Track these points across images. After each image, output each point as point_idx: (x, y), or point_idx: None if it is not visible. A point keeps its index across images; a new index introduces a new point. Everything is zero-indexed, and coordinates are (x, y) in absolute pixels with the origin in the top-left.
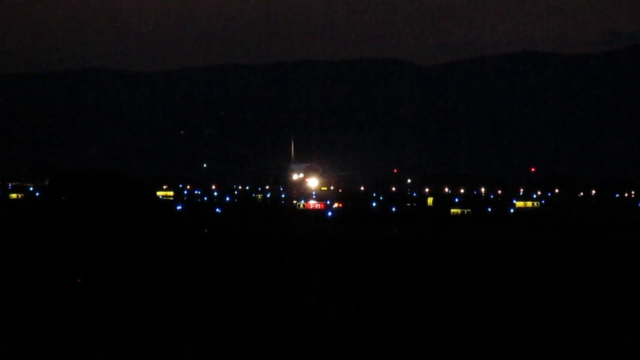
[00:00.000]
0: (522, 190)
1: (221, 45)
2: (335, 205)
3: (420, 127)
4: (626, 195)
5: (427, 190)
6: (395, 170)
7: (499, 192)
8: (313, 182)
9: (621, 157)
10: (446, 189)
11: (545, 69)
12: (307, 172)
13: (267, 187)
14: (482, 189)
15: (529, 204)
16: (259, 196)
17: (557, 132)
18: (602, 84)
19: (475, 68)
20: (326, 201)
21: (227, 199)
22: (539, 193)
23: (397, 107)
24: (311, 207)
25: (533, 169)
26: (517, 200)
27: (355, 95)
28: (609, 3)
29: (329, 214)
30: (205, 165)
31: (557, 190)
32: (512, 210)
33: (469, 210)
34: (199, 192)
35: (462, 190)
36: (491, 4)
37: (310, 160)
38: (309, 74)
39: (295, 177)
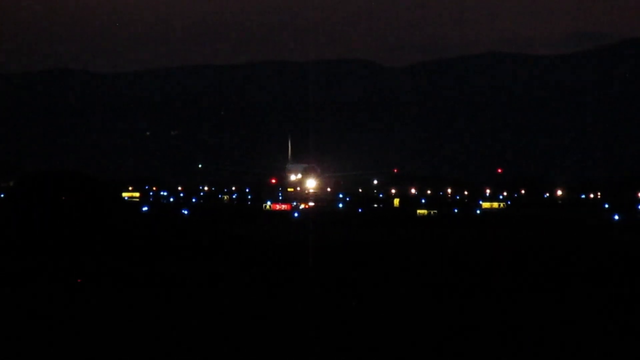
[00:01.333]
0: (488, 191)
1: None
2: (302, 206)
3: (386, 128)
4: (592, 196)
5: (393, 191)
6: (395, 170)
7: (466, 193)
8: (311, 183)
9: (587, 158)
10: (412, 190)
11: (511, 69)
12: (306, 172)
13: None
14: (449, 190)
15: (495, 205)
16: (225, 197)
17: (523, 133)
18: (568, 85)
19: (441, 69)
20: (292, 202)
21: (194, 200)
22: (505, 194)
23: (363, 108)
24: (277, 209)
25: (499, 170)
26: (483, 201)
27: (322, 95)
28: (575, 4)
29: (295, 215)
30: (200, 165)
31: (523, 191)
32: (478, 211)
33: (435, 211)
34: (165, 194)
35: (428, 192)
36: (457, 5)
37: (308, 160)
38: (276, 75)
39: (293, 177)
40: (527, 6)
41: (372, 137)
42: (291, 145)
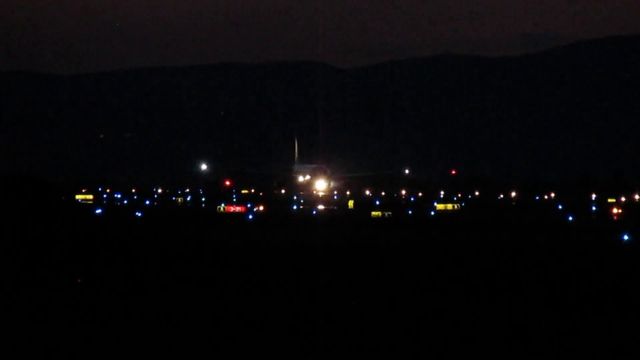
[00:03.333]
0: (442, 192)
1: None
2: (257, 208)
3: (341, 129)
4: (546, 197)
5: (348, 193)
6: (407, 172)
7: (420, 194)
8: (321, 185)
9: (540, 159)
10: (367, 192)
11: (466, 71)
12: (314, 173)
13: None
14: (403, 192)
15: (449, 206)
16: (180, 199)
17: (477, 134)
18: (522, 86)
19: (396, 70)
20: (247, 204)
21: (147, 202)
22: (459, 195)
23: (316, 109)
24: (231, 211)
25: (454, 171)
26: (437, 203)
27: (280, 97)
28: (529, 5)
29: (250, 217)
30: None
31: (477, 193)
32: (432, 213)
33: (389, 213)
34: (119, 196)
35: (383, 193)
36: (412, 6)
37: (316, 161)
38: (229, 77)
39: (301, 179)
40: (479, 8)
41: (322, 137)
42: (298, 146)
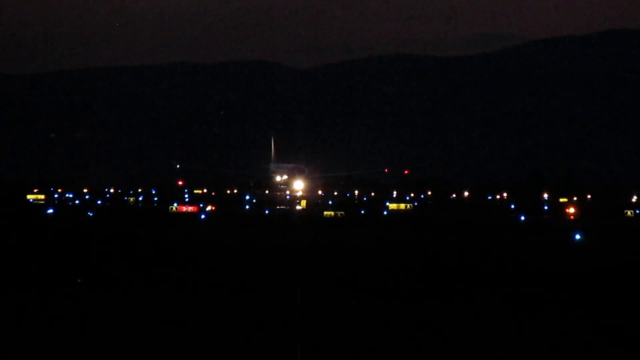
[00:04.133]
0: (395, 192)
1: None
2: (209, 208)
3: (295, 129)
4: (498, 197)
5: (300, 193)
6: (386, 170)
7: (372, 194)
8: (299, 185)
9: (494, 159)
10: (319, 192)
11: (419, 71)
12: (292, 173)
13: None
14: (356, 192)
15: (402, 206)
16: (132, 199)
17: (430, 134)
18: (476, 85)
19: (349, 70)
20: (199, 204)
21: (99, 202)
22: (412, 195)
23: (269, 109)
24: (184, 210)
25: (406, 172)
26: (390, 203)
27: (231, 97)
28: (483, 5)
29: (202, 216)
30: (178, 166)
31: (430, 193)
32: (385, 213)
33: (342, 212)
34: (71, 196)
35: (335, 193)
36: (365, 6)
37: (293, 160)
38: (183, 77)
39: (278, 178)
40: (434, 8)
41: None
42: (274, 145)
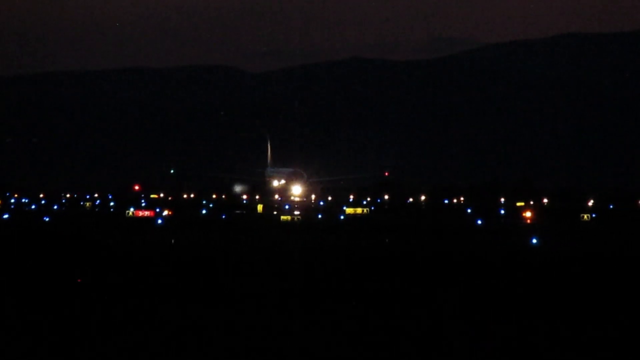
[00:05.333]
0: (352, 196)
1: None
2: (165, 212)
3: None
4: (455, 201)
5: (257, 197)
6: (386, 174)
7: (330, 198)
8: (297, 190)
9: (451, 162)
10: (276, 197)
11: (374, 75)
12: (290, 178)
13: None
14: (313, 196)
15: (359, 210)
16: (88, 204)
17: (385, 137)
18: (431, 89)
19: (304, 74)
20: (156, 209)
21: (55, 207)
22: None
23: (226, 113)
24: (140, 215)
25: (386, 173)
26: (347, 207)
27: (187, 102)
28: (439, 9)
29: (159, 221)
30: (172, 170)
31: (387, 197)
32: (342, 217)
33: (299, 217)
34: (27, 201)
35: (314, 197)
36: (320, 10)
37: (292, 165)
38: (139, 81)
39: (275, 183)
40: (389, 12)
41: (232, 142)
42: (271, 149)
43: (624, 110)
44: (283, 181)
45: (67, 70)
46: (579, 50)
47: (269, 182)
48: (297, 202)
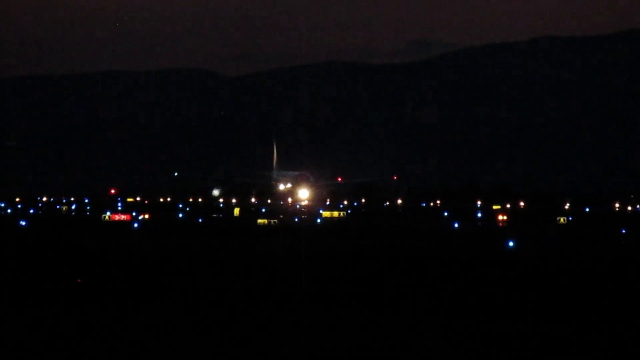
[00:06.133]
0: (328, 200)
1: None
2: (142, 216)
3: (231, 137)
4: (432, 204)
5: (234, 201)
6: (394, 177)
7: (307, 202)
8: (304, 193)
9: (425, 166)
10: (253, 200)
11: (352, 78)
12: (297, 181)
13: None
14: (289, 200)
15: (335, 213)
16: (64, 208)
17: (365, 142)
18: (409, 92)
19: (281, 78)
20: (132, 213)
21: (31, 211)
22: (345, 203)
23: (202, 118)
24: (117, 219)
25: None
26: (324, 210)
27: (165, 105)
28: (416, 13)
29: (135, 225)
30: (176, 174)
31: (363, 200)
32: (319, 220)
33: (275, 220)
34: (2, 205)
35: (269, 201)
36: (298, 14)
37: (300, 168)
38: (115, 85)
39: (282, 187)
40: (367, 16)
41: (209, 146)
42: (277, 151)
43: (600, 113)
44: (289, 185)
45: (36, 74)
46: (554, 53)
47: (275, 186)
48: (305, 205)
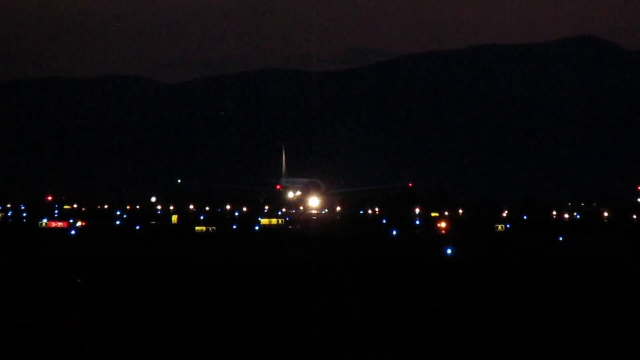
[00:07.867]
0: (267, 207)
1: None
2: (79, 223)
3: (170, 144)
4: (370, 212)
5: (172, 207)
6: (410, 185)
7: (245, 209)
8: (314, 201)
9: (364, 173)
10: (191, 206)
11: (290, 86)
12: (306, 189)
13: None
14: (228, 206)
15: (274, 221)
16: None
17: (300, 149)
18: (345, 100)
19: (219, 84)
20: (69, 220)
21: None
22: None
23: (144, 125)
24: (53, 226)
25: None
26: (262, 218)
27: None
28: (354, 21)
29: (72, 232)
30: (179, 180)
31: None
32: (257, 228)
33: (213, 227)
34: None
35: (207, 208)
36: (232, 20)
37: (309, 175)
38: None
39: (291, 195)
40: (307, 23)
41: (148, 154)
42: (286, 158)
43: (539, 121)
44: (299, 192)
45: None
46: (494, 61)
47: (284, 193)
48: (314, 214)
